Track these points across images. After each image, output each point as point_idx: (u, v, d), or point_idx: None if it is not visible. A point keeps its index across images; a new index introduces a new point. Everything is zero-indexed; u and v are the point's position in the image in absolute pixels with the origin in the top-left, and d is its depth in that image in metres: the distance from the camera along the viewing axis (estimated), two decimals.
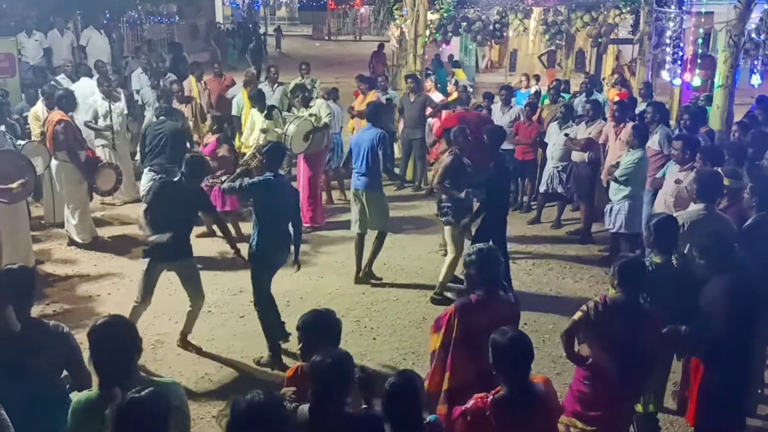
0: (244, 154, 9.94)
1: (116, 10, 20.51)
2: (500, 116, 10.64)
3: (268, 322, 6.30)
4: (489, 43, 17.31)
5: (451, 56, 19.68)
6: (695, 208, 5.74)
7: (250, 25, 31.84)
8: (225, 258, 8.52)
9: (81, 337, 6.47)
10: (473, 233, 7.44)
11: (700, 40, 11.59)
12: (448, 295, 7.44)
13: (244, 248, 6.41)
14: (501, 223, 7.54)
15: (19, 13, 16.20)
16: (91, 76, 11.25)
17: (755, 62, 11.74)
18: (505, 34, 15.34)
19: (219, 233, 9.14)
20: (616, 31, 15.14)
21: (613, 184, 7.95)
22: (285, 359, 6.20)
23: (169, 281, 6.70)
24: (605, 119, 9.29)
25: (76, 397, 3.41)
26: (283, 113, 10.38)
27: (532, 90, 12.56)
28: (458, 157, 7.40)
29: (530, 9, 15.01)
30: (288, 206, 6.27)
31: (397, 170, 11.36)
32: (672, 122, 10.00)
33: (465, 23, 14.49)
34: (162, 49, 17.84)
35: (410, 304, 7.52)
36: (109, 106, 9.92)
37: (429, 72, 14.65)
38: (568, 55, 17.42)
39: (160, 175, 7.92)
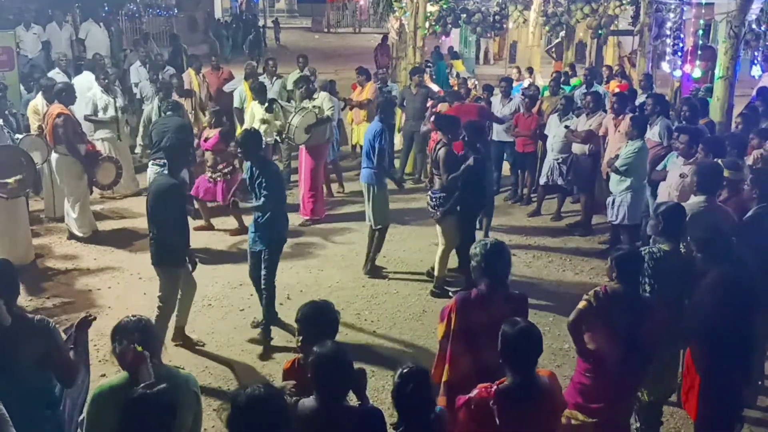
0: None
1: (115, 2, 20.46)
2: (500, 108, 10.62)
3: (273, 299, 6.47)
4: (490, 36, 17.29)
5: (450, 48, 19.65)
6: (695, 200, 5.74)
7: (250, 17, 31.78)
8: (226, 251, 8.55)
9: None
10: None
11: (700, 31, 11.56)
12: (449, 289, 7.45)
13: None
14: (472, 216, 7.61)
15: (17, 6, 16.13)
16: (93, 69, 11.23)
17: (756, 53, 11.72)
18: (505, 25, 15.32)
19: (218, 227, 9.21)
20: (616, 22, 15.12)
21: (614, 176, 7.93)
22: (281, 355, 6.20)
23: (151, 279, 6.63)
24: (605, 111, 9.27)
25: (99, 384, 3.44)
26: (283, 104, 10.36)
27: (525, 83, 12.53)
28: (450, 148, 7.40)
29: (530, 0, 14.99)
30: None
31: (397, 162, 11.33)
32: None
33: (465, 15, 14.47)
34: (158, 42, 17.80)
35: (410, 296, 7.52)
36: (115, 101, 9.93)
37: (429, 64, 14.63)
38: (568, 47, 17.39)
39: (164, 169, 7.92)
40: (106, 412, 3.26)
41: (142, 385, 2.98)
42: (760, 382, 5.65)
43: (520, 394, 3.47)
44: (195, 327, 6.65)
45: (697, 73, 11.42)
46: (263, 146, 6.98)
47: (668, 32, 12.26)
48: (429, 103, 11.29)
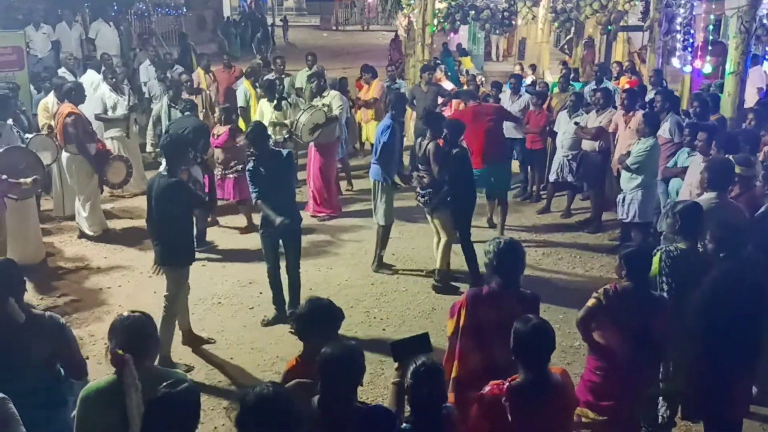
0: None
1: (124, 2, 20.50)
2: (509, 105, 10.56)
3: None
4: (499, 33, 17.22)
5: (459, 45, 19.60)
6: (707, 196, 5.68)
7: (259, 15, 31.79)
8: (236, 249, 8.56)
9: (92, 328, 6.60)
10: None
11: (710, 27, 11.47)
12: (456, 285, 7.45)
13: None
14: (466, 210, 7.59)
15: (27, 6, 16.20)
16: (99, 68, 11.27)
17: (767, 48, 11.62)
18: (513, 22, 15.24)
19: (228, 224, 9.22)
20: (625, 18, 15.01)
21: (624, 173, 7.88)
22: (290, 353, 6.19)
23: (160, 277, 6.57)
24: (615, 107, 9.22)
25: (87, 385, 3.45)
26: (292, 101, 10.34)
27: (528, 80, 12.47)
28: (437, 142, 7.40)
29: None
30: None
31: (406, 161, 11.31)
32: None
33: (473, 12, 14.41)
34: (167, 41, 17.84)
35: (419, 294, 7.51)
36: (129, 98, 9.95)
37: (438, 61, 14.59)
38: (578, 43, 17.30)
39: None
40: (94, 414, 3.28)
41: (164, 384, 2.97)
42: None
43: (533, 390, 3.46)
44: (205, 325, 6.67)
45: (707, 68, 11.33)
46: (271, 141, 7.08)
47: (678, 28, 12.16)
48: (440, 101, 11.27)
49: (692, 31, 12.01)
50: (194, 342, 6.40)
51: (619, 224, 8.75)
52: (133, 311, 3.54)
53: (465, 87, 12.13)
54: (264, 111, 9.90)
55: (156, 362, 5.75)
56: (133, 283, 7.64)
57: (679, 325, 4.49)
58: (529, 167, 10.70)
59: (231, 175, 9.00)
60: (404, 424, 3.28)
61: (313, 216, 9.54)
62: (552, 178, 9.88)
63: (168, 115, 9.42)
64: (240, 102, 11.17)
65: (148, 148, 9.89)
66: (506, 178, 9.05)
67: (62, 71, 11.12)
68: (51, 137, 8.62)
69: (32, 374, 3.73)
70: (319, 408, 3.24)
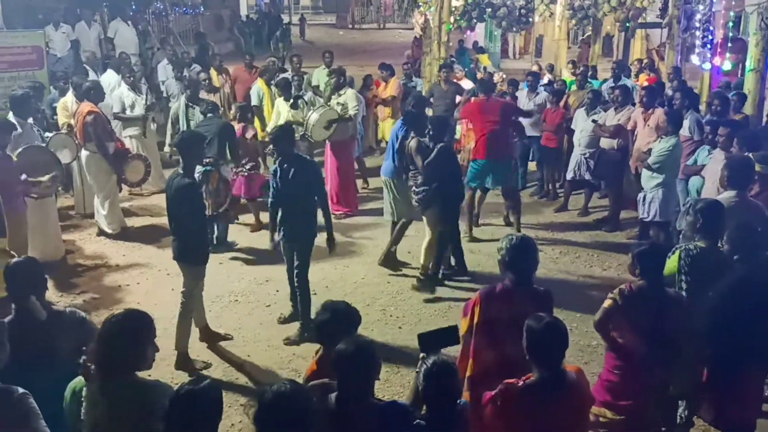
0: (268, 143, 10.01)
1: (142, 1, 20.64)
2: (526, 102, 10.54)
3: (308, 296, 6.54)
4: (516, 30, 17.16)
5: (475, 43, 19.54)
6: (727, 194, 5.63)
7: (277, 14, 31.92)
8: (254, 247, 8.59)
9: None
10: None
11: (730, 23, 11.36)
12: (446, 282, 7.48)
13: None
14: (452, 206, 7.48)
15: (46, 5, 16.36)
16: (118, 68, 11.36)
17: None
18: (531, 19, 15.18)
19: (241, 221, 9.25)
20: (644, 14, 14.91)
21: (645, 172, 7.81)
22: (307, 351, 6.21)
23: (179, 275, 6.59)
24: (634, 105, 9.16)
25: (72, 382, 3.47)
26: (309, 97, 10.31)
27: (544, 79, 12.39)
28: (417, 139, 7.35)
29: None
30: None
31: None
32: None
33: (490, 9, 14.37)
34: (184, 40, 17.93)
35: (436, 292, 7.50)
36: (147, 97, 10.00)
37: (452, 60, 14.57)
38: (595, 41, 17.20)
39: (205, 168, 8.00)
40: (71, 408, 3.36)
41: (188, 380, 2.99)
42: None
43: (547, 389, 3.44)
44: (222, 323, 6.70)
45: (727, 65, 11.23)
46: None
47: (697, 24, 12.07)
48: (458, 100, 11.25)
49: (711, 28, 11.90)
50: (211, 339, 6.43)
51: (637, 222, 8.69)
52: (125, 313, 3.44)
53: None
54: (280, 110, 9.92)
55: (174, 359, 5.89)
56: (151, 281, 7.69)
57: (696, 323, 4.46)
58: (544, 165, 10.66)
59: (243, 173, 9.05)
60: (418, 420, 3.28)
61: (340, 213, 9.55)
62: (569, 176, 9.83)
63: (185, 114, 9.45)
64: (253, 101, 11.21)
65: (167, 148, 9.95)
66: (506, 173, 8.88)
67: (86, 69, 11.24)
68: (71, 136, 8.70)
69: (56, 369, 3.77)
70: (336, 404, 3.25)
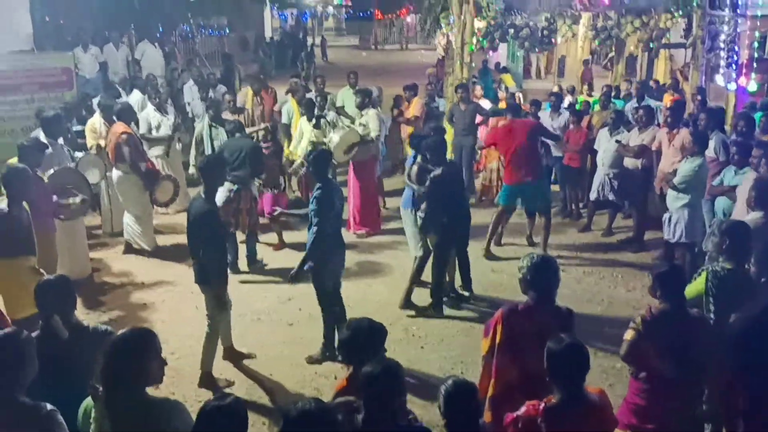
0: (293, 161, 10.10)
1: (169, 23, 21.00)
2: (549, 123, 10.53)
3: (332, 315, 6.44)
4: (539, 51, 17.18)
5: (498, 63, 19.61)
6: (754, 215, 5.58)
7: (300, 35, 32.32)
8: (277, 266, 8.64)
9: None
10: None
11: (756, 44, 11.31)
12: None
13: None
14: (450, 229, 7.33)
15: (75, 27, 16.69)
16: (143, 88, 11.55)
17: None
18: (553, 40, 15.20)
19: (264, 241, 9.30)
20: (667, 35, 14.86)
21: (671, 192, 7.74)
22: (330, 370, 6.22)
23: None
24: (658, 125, 9.11)
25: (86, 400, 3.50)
26: (332, 117, 10.38)
27: (566, 102, 12.37)
28: (422, 164, 7.38)
29: (579, 14, 14.85)
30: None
31: None
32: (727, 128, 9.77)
33: (512, 30, 14.42)
34: (210, 62, 18.18)
35: (457, 312, 7.48)
36: (175, 119, 10.22)
37: (475, 80, 14.62)
38: (618, 61, 17.16)
39: (236, 186, 8.08)
40: (83, 427, 3.40)
41: (215, 396, 3.02)
42: None
43: (569, 411, 3.42)
44: (245, 341, 6.72)
45: (752, 86, 11.16)
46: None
47: (722, 45, 12.02)
48: (478, 120, 11.29)
49: (736, 48, 11.85)
50: (235, 357, 6.46)
51: (661, 243, 8.61)
52: (126, 331, 3.43)
53: (502, 104, 12.13)
54: (304, 129, 10.02)
55: (198, 378, 5.92)
56: (176, 299, 7.76)
57: (722, 347, 4.39)
58: (567, 185, 10.62)
59: (269, 191, 9.12)
60: None
61: (353, 233, 9.58)
62: (593, 196, 9.78)
63: (209, 135, 9.57)
64: (283, 119, 11.33)
65: (191, 169, 10.06)
66: (539, 196, 8.86)
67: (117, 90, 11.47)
68: (100, 156, 8.82)
69: (82, 385, 3.81)
70: (363, 425, 3.25)
